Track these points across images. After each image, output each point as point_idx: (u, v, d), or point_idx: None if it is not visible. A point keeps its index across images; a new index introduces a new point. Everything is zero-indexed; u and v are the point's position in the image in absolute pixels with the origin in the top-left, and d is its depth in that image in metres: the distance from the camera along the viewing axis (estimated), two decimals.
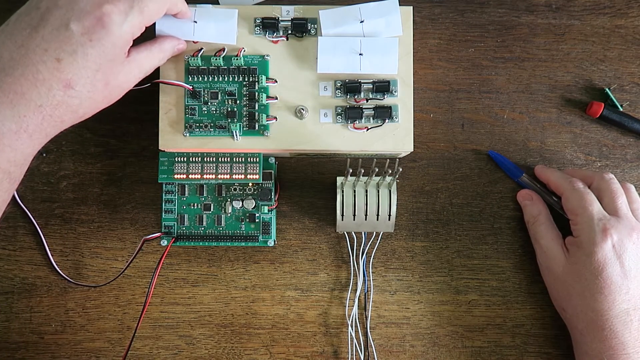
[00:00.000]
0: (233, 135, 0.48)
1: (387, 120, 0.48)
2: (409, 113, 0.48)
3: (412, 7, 0.48)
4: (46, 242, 0.52)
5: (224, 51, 0.48)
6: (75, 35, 0.39)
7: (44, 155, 0.52)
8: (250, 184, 0.51)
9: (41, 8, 0.40)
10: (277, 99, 0.48)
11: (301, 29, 0.48)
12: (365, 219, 0.48)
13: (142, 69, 0.44)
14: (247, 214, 0.51)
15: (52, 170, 0.53)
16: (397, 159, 0.52)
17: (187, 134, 0.48)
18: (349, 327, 0.51)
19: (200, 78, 0.48)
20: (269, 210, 0.51)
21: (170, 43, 0.46)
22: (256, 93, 0.48)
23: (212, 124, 0.48)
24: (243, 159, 0.49)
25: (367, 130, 0.48)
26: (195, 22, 0.47)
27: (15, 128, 0.39)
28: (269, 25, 0.48)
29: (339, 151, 0.49)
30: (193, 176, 0.49)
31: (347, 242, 0.51)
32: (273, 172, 0.50)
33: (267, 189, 0.50)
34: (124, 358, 0.49)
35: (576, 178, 0.49)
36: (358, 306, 0.51)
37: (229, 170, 0.49)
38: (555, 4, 0.54)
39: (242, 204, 0.51)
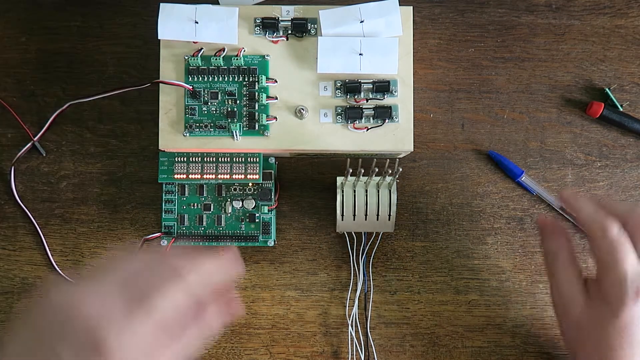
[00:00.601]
0: (233, 135, 0.48)
1: (387, 120, 0.48)
2: (409, 113, 0.48)
3: (412, 7, 0.48)
4: (46, 242, 0.52)
5: (224, 51, 0.48)
6: None
7: (44, 155, 0.52)
8: (250, 184, 0.51)
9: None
10: (277, 99, 0.48)
11: (301, 29, 0.48)
12: (365, 219, 0.48)
13: None
14: (247, 214, 0.51)
15: (52, 170, 0.53)
16: (397, 159, 0.52)
17: (187, 134, 0.48)
18: (349, 327, 0.51)
19: (200, 78, 0.48)
20: (269, 210, 0.51)
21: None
22: (256, 93, 0.48)
23: (212, 124, 0.48)
24: (243, 159, 0.49)
25: (367, 130, 0.48)
26: (197, 22, 0.47)
27: None
28: (269, 25, 0.48)
29: (339, 151, 0.49)
30: (193, 176, 0.49)
31: (347, 242, 0.51)
32: (273, 172, 0.50)
33: (267, 189, 0.50)
34: None
35: (611, 217, 0.41)
36: (358, 306, 0.51)
37: (229, 170, 0.49)
38: (555, 4, 0.54)
39: (242, 204, 0.51)
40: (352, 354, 0.51)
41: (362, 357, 0.51)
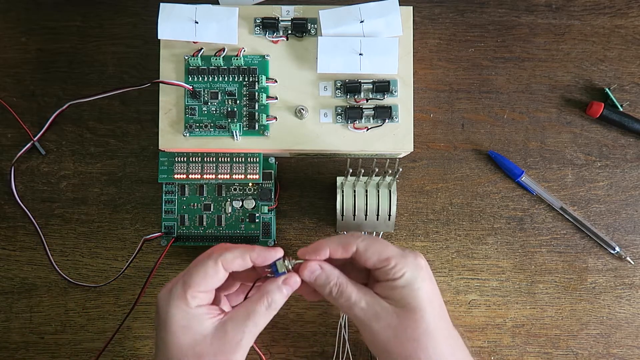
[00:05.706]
0: (233, 135, 0.48)
1: (387, 120, 0.48)
2: (409, 113, 0.48)
3: (412, 7, 0.48)
4: (46, 242, 0.52)
5: (224, 51, 0.48)
6: None
7: (44, 155, 0.52)
8: (250, 184, 0.51)
9: None
10: (277, 99, 0.48)
11: (301, 29, 0.48)
12: (365, 219, 0.48)
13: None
14: (247, 214, 0.51)
15: (52, 170, 0.53)
16: (397, 159, 0.52)
17: (187, 134, 0.48)
18: (346, 328, 0.51)
19: (200, 78, 0.48)
20: (269, 210, 0.51)
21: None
22: (256, 93, 0.48)
23: (212, 124, 0.48)
24: (243, 159, 0.49)
25: (367, 130, 0.48)
26: (197, 22, 0.47)
27: None
28: (269, 25, 0.48)
29: (339, 151, 0.49)
30: (193, 176, 0.49)
31: None
32: (273, 172, 0.50)
33: (267, 189, 0.50)
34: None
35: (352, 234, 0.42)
36: None
37: (229, 170, 0.49)
38: (555, 4, 0.54)
39: (242, 204, 0.51)
40: (351, 354, 0.51)
41: (363, 358, 0.51)
